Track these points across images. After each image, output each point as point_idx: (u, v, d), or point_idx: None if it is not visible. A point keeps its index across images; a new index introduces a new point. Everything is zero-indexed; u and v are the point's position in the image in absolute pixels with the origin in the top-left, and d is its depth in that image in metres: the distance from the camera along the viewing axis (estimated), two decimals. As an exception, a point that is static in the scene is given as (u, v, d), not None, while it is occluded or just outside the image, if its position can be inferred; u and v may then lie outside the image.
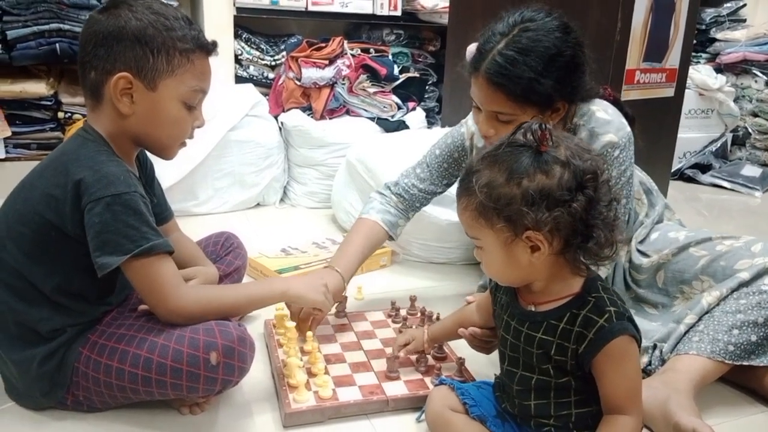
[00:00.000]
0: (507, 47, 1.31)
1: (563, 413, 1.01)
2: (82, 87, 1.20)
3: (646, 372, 1.35)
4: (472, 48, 1.40)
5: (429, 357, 1.38)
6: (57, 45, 2.52)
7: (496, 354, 1.49)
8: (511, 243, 0.96)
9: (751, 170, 3.42)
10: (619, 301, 0.99)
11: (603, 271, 1.44)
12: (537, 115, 1.35)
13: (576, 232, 0.94)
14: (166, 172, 2.24)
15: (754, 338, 1.29)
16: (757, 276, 1.35)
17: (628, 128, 1.47)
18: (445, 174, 1.70)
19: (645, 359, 1.38)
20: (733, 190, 3.28)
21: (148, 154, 1.32)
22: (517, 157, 0.95)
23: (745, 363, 1.29)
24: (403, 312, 1.60)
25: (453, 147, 1.69)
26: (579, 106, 1.47)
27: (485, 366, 1.34)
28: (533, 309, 1.03)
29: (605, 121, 1.44)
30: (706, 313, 1.36)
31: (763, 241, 1.43)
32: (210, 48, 1.23)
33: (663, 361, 1.34)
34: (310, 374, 1.30)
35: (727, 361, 1.28)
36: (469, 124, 1.68)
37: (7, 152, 2.57)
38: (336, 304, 1.54)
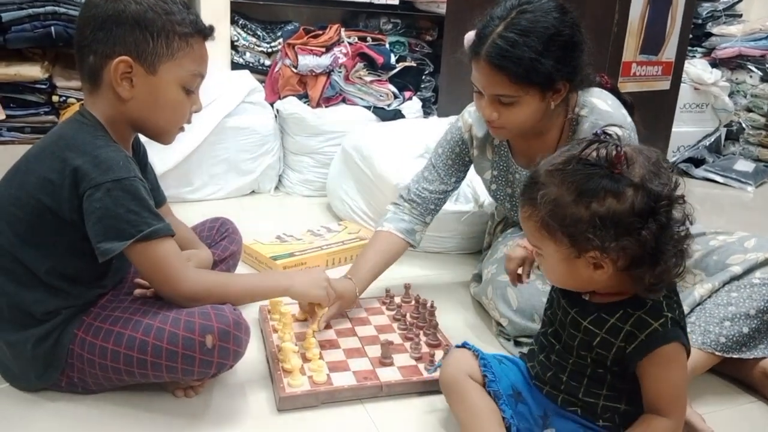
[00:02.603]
0: (507, 29, 1.33)
1: (591, 400, 1.01)
2: (79, 71, 1.19)
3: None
4: (470, 35, 1.41)
5: (423, 343, 1.39)
6: (52, 28, 2.50)
7: (490, 345, 1.51)
8: (574, 259, 0.94)
9: (744, 165, 3.43)
10: (677, 309, 0.98)
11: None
12: (539, 96, 1.36)
13: (644, 257, 0.91)
14: (160, 157, 2.23)
15: (745, 330, 1.30)
16: (749, 270, 1.36)
17: (629, 119, 1.49)
18: (451, 171, 1.69)
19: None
20: (725, 184, 3.29)
21: (143, 139, 1.31)
22: (588, 177, 0.91)
23: (736, 356, 1.30)
24: (397, 300, 1.61)
25: (453, 143, 1.68)
26: (579, 96, 1.48)
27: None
28: (587, 298, 1.01)
29: (608, 114, 1.46)
30: (698, 305, 1.37)
31: (756, 237, 1.44)
32: (207, 32, 1.22)
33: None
34: (305, 359, 1.31)
35: (717, 353, 1.29)
36: (465, 117, 1.68)
37: (1, 135, 2.56)
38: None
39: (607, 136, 0.95)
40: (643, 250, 0.90)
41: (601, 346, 0.98)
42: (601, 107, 1.47)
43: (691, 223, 0.94)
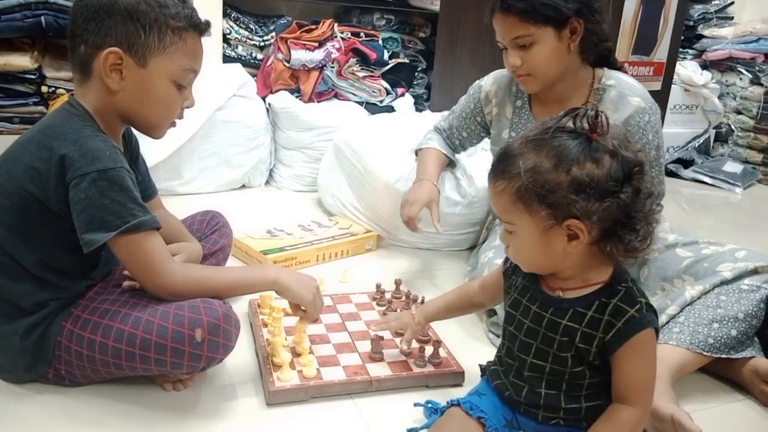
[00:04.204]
0: None
1: (573, 406, 0.99)
2: (70, 61, 1.18)
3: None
4: None
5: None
6: (42, 18, 2.48)
7: (479, 341, 1.51)
8: (549, 230, 0.93)
9: (733, 167, 3.46)
10: (644, 292, 0.99)
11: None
12: (554, 33, 1.45)
13: (617, 223, 0.92)
14: (151, 150, 2.21)
15: (734, 333, 1.32)
16: (739, 277, 1.38)
17: (650, 96, 1.57)
18: (464, 123, 1.85)
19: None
20: (714, 185, 3.32)
21: (135, 132, 1.30)
22: (566, 143, 0.92)
23: (724, 356, 1.31)
24: (388, 295, 1.61)
25: (470, 97, 1.83)
26: (605, 72, 1.59)
27: (467, 354, 1.35)
28: (560, 295, 1.00)
29: (634, 87, 1.57)
30: (688, 305, 1.38)
31: (746, 249, 1.46)
32: (203, 28, 1.21)
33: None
34: (295, 354, 1.30)
35: (705, 353, 1.30)
36: (488, 76, 1.80)
37: (-11, 125, 2.53)
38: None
39: (586, 107, 0.97)
40: (620, 214, 0.91)
41: (583, 341, 0.97)
42: (627, 80, 1.58)
43: (651, 194, 0.95)
